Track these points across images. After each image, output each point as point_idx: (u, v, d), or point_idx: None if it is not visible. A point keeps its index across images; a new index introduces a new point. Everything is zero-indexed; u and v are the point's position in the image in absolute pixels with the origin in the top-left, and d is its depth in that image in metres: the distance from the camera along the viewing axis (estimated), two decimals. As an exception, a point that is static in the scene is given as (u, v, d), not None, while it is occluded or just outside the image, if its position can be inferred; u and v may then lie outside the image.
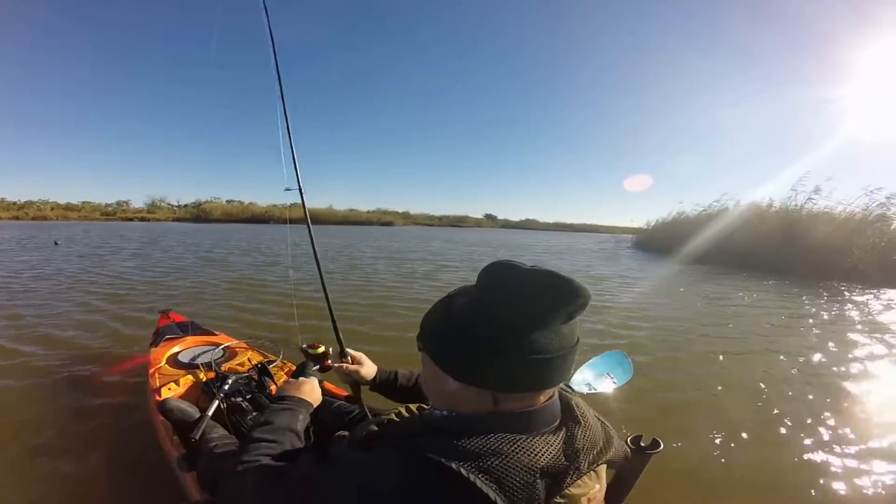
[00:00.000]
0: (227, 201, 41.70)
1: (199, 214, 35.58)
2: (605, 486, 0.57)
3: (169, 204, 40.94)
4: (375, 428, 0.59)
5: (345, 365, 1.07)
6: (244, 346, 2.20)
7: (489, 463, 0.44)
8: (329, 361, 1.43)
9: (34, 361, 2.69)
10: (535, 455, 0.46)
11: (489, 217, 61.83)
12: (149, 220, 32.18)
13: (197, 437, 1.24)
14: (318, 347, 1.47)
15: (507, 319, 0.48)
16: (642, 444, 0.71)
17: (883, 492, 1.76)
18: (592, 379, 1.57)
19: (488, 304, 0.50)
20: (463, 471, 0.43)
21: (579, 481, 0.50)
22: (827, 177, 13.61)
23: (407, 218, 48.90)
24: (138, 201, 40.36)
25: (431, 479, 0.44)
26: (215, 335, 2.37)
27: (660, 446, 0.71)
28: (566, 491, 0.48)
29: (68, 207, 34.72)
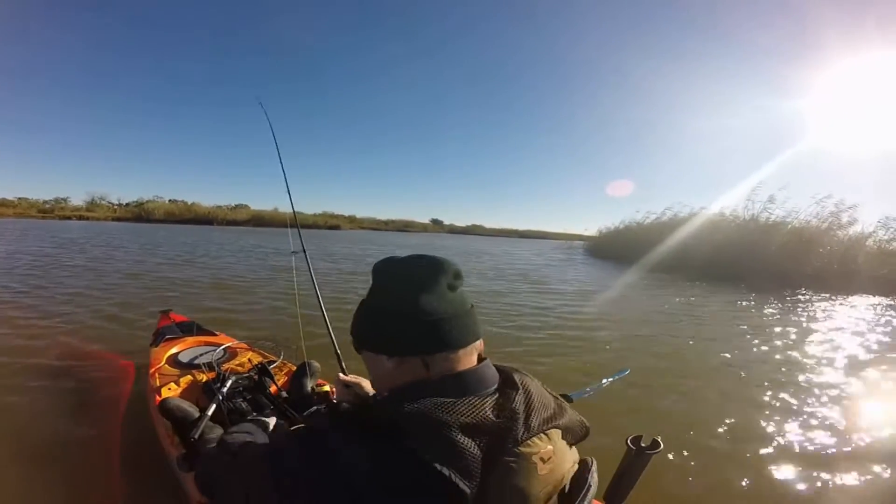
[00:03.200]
0: (169, 201, 40.11)
1: (140, 214, 34.23)
2: (565, 451, 0.60)
3: (109, 202, 39.29)
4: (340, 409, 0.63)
5: (343, 377, 1.11)
6: (245, 346, 2.20)
7: (415, 422, 0.50)
8: (333, 392, 1.48)
9: (31, 363, 2.69)
10: (456, 413, 0.51)
11: (435, 222, 61.20)
12: (88, 218, 30.61)
13: (196, 437, 1.24)
14: (324, 385, 1.61)
15: (397, 294, 0.60)
16: (642, 445, 0.71)
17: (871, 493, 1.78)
18: (593, 387, 1.56)
19: (383, 289, 0.63)
20: (386, 430, 0.49)
21: (529, 441, 0.54)
22: (780, 186, 13.74)
23: (353, 222, 47.78)
24: (77, 198, 38.30)
25: (371, 442, 0.49)
26: (216, 335, 2.38)
27: (660, 447, 0.71)
28: (516, 450, 0.52)
29: (3, 204, 32.95)
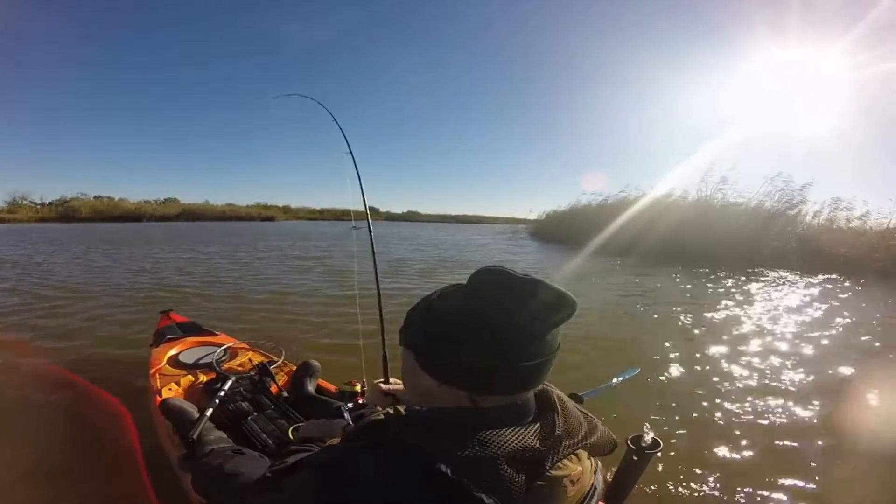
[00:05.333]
0: (94, 198, 37.55)
1: (65, 213, 32.06)
2: (589, 469, 0.59)
3: (32, 202, 35.91)
4: (365, 425, 0.60)
5: (385, 385, 1.01)
6: (245, 346, 2.20)
7: (463, 454, 0.46)
8: (361, 398, 1.43)
9: (32, 363, 2.69)
10: (505, 445, 0.48)
11: (372, 210, 61.85)
12: (9, 220, 27.73)
13: (194, 437, 1.24)
14: (356, 385, 1.53)
15: (498, 327, 0.49)
16: (643, 445, 0.71)
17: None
18: (603, 386, 1.56)
19: (480, 310, 0.50)
20: (437, 463, 0.45)
21: (559, 464, 0.52)
22: (730, 167, 13.48)
23: (288, 212, 46.45)
24: (-4, 199, 34.78)
25: (403, 468, 0.46)
26: (216, 335, 2.37)
27: (660, 446, 0.70)
28: (548, 473, 0.50)
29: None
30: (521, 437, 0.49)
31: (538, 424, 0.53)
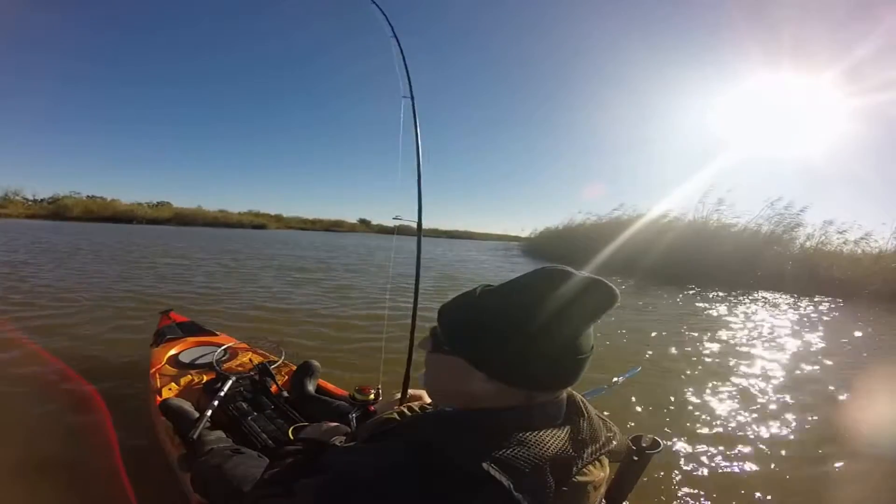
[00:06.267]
0: (87, 196, 36.81)
1: (56, 211, 31.51)
2: (607, 474, 0.58)
3: (24, 198, 35.14)
4: (380, 426, 0.59)
5: (404, 406, 0.94)
6: (245, 346, 2.20)
7: (502, 454, 0.45)
8: (373, 407, 1.34)
9: (33, 363, 2.69)
10: (544, 447, 0.48)
11: (363, 222, 60.07)
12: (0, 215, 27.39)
13: (194, 437, 1.25)
14: (369, 393, 1.41)
15: (565, 321, 0.51)
16: (643, 445, 0.71)
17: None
18: (606, 385, 1.56)
19: (547, 305, 0.51)
20: (479, 462, 0.44)
21: (584, 470, 0.52)
22: (728, 188, 13.53)
23: (280, 221, 46.23)
24: (-13, 193, 33.43)
25: (439, 470, 0.45)
26: (216, 335, 2.37)
27: (660, 447, 0.70)
28: (573, 479, 0.50)
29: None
30: (557, 440, 0.49)
31: (569, 427, 0.53)
